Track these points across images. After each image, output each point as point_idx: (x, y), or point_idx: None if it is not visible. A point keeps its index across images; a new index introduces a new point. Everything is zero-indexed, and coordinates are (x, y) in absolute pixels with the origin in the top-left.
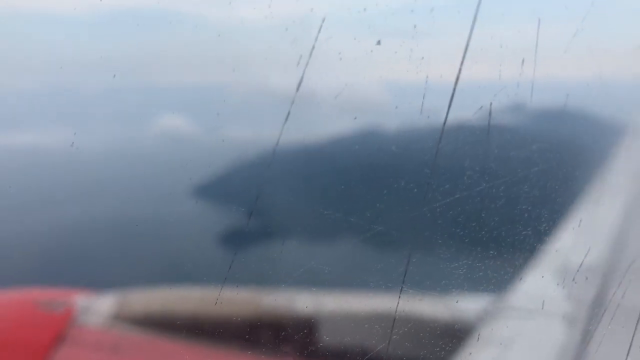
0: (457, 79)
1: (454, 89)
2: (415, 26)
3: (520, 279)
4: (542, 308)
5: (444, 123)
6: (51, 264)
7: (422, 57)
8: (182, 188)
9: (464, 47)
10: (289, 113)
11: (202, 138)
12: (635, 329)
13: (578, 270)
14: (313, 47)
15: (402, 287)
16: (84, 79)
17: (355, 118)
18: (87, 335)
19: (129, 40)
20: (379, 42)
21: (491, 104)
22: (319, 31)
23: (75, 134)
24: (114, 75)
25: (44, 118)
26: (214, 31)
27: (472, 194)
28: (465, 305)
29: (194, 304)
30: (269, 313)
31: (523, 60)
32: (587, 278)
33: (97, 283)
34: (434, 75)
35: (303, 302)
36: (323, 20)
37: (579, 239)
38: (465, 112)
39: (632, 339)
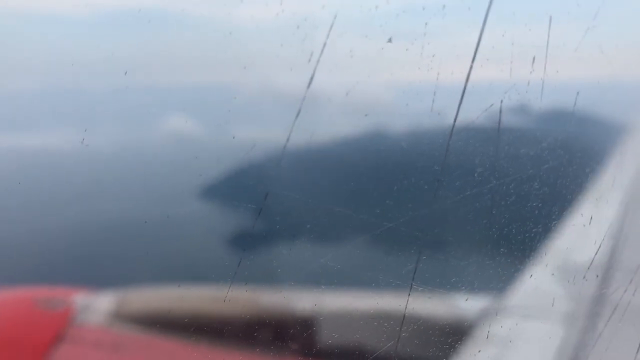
0: (468, 77)
1: (464, 88)
2: (426, 24)
3: (531, 276)
4: (552, 305)
5: (454, 122)
6: (56, 264)
7: (433, 55)
8: (188, 188)
9: (475, 46)
10: (299, 110)
11: (212, 137)
12: None
13: (589, 268)
14: (324, 45)
15: (411, 284)
16: (88, 79)
17: (366, 115)
18: (87, 333)
19: (136, 39)
20: (390, 40)
21: (502, 101)
22: (330, 29)
23: (78, 134)
24: (125, 73)
25: (46, 119)
26: (225, 29)
27: (482, 191)
28: (474, 303)
29: (194, 303)
30: (273, 312)
31: (534, 59)
32: (597, 276)
33: (103, 283)
34: (445, 73)
35: (312, 300)
36: (334, 18)
37: (588, 237)
38: (475, 111)
39: None
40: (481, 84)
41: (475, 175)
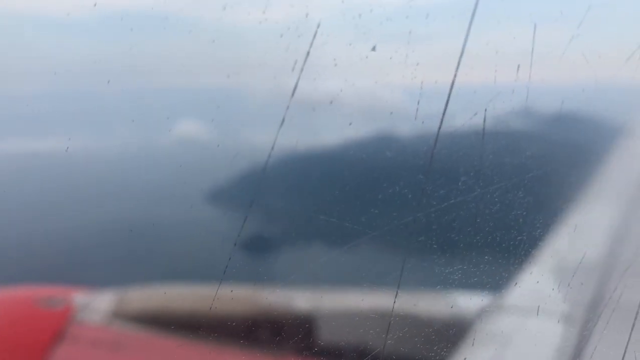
0: (452, 85)
1: (449, 94)
2: (410, 32)
3: (515, 283)
4: (537, 314)
5: (439, 128)
6: (59, 265)
7: (417, 63)
8: (175, 192)
9: (460, 52)
10: (283, 119)
11: (195, 142)
12: (633, 328)
13: (573, 275)
14: (308, 53)
15: (397, 292)
16: (77, 83)
17: (350, 124)
18: (87, 332)
19: (121, 44)
20: (374, 48)
21: (486, 110)
22: (314, 37)
23: (69, 138)
24: (108, 81)
25: (40, 123)
26: (208, 36)
27: (466, 200)
28: (460, 309)
29: (193, 302)
30: (269, 312)
31: (519, 66)
32: (582, 283)
33: (105, 282)
34: (429, 80)
35: (303, 302)
36: (318, 26)
37: (575, 241)
38: (459, 118)
39: (629, 339)
40: (466, 91)
41: (460, 183)
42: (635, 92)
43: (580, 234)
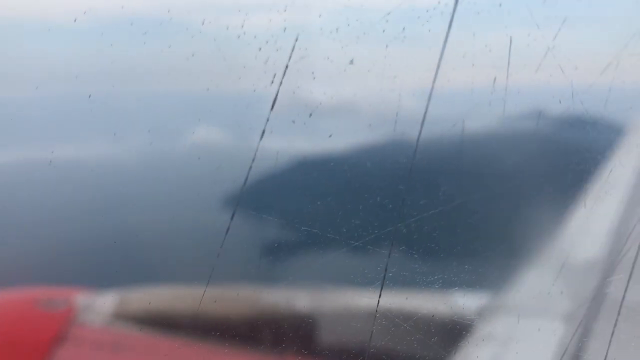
0: (430, 97)
1: (427, 105)
2: (387, 46)
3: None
4: (518, 322)
5: (418, 138)
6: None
7: (395, 76)
8: (158, 197)
9: (436, 67)
10: (263, 131)
11: (177, 151)
12: (615, 325)
13: (554, 283)
14: (287, 66)
15: (378, 301)
16: (76, 89)
17: (330, 136)
18: (88, 334)
19: (103, 55)
20: (351, 62)
21: (464, 120)
22: (292, 50)
23: (53, 151)
24: (91, 92)
25: (36, 129)
26: (188, 50)
27: (446, 210)
28: (441, 319)
29: (194, 303)
30: (267, 313)
31: (495, 78)
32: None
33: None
34: (407, 94)
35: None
36: (296, 40)
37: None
38: (438, 126)
39: (611, 336)
40: (443, 103)
41: (440, 193)
42: (613, 99)
43: (578, 234)
